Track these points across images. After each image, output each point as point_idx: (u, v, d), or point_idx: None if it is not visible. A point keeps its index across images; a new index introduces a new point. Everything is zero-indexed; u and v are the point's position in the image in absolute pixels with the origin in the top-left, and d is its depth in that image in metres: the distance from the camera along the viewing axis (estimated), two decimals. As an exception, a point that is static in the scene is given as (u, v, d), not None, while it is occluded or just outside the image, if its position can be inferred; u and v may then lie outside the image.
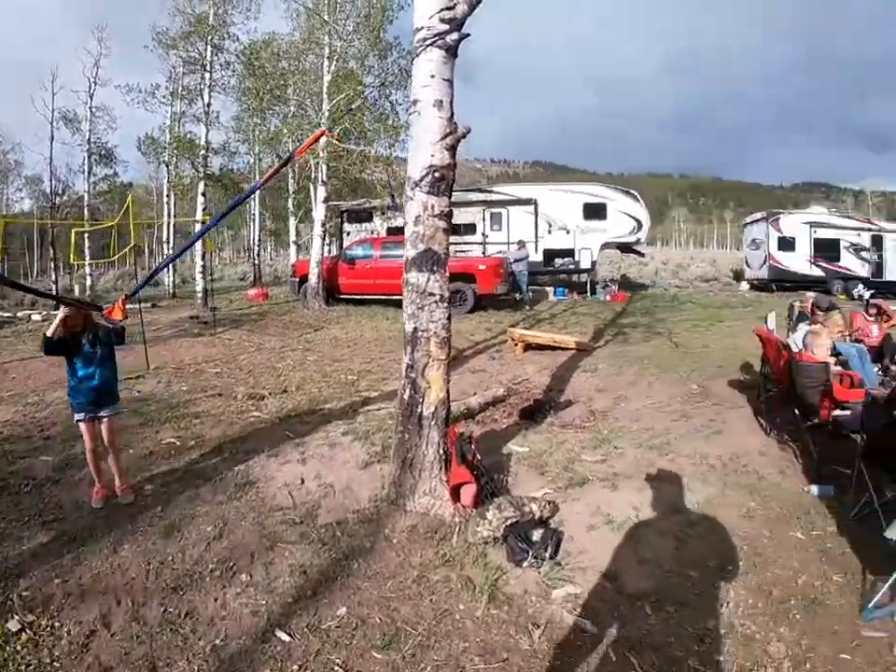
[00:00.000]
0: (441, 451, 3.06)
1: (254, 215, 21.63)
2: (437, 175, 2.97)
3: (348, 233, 15.81)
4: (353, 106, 10.99)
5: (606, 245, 15.26)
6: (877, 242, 16.88)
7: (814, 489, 3.25)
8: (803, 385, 3.66)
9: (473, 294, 10.39)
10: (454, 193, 3.13)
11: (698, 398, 5.25)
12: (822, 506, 3.09)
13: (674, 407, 4.97)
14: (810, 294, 8.23)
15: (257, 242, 21.42)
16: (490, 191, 15.58)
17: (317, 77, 11.72)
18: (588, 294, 14.20)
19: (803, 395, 3.68)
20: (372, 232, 14.88)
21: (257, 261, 20.58)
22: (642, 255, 18.52)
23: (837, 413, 3.50)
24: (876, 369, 4.95)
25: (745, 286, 18.07)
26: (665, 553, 2.68)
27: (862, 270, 16.69)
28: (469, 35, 3.03)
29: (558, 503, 3.05)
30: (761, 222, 17.39)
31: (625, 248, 16.25)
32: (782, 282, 16.55)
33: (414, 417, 3.05)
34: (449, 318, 3.11)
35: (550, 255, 14.78)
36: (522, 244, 12.51)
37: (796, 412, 3.85)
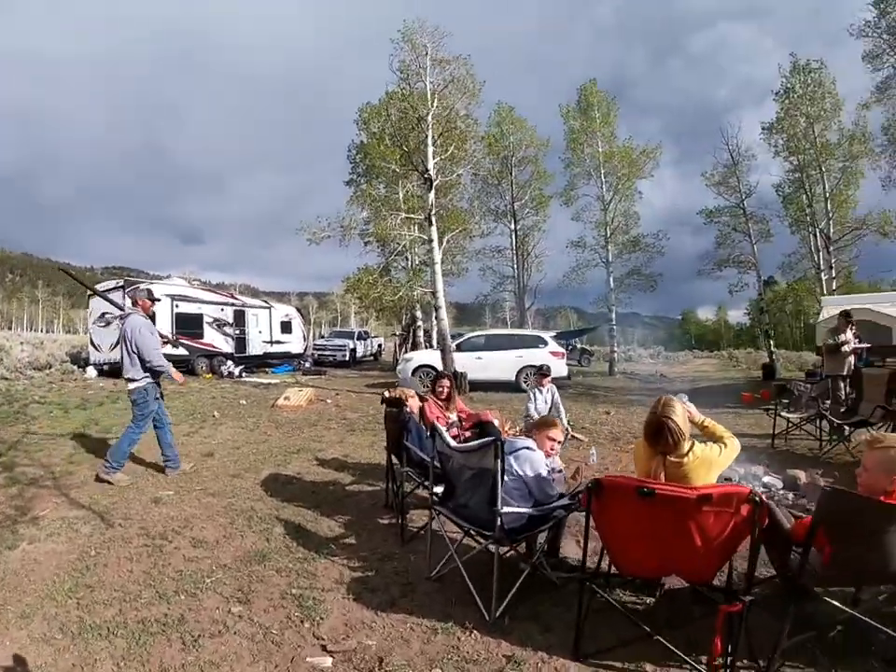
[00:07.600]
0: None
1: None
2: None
3: None
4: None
5: None
6: (240, 317, 16.73)
7: None
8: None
9: None
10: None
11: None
12: None
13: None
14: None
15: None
16: None
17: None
18: None
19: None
20: None
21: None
22: None
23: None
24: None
25: (92, 372, 13.59)
26: None
27: (227, 346, 16.07)
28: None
29: None
30: (114, 291, 12.59)
31: None
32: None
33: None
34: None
35: None
36: None
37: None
